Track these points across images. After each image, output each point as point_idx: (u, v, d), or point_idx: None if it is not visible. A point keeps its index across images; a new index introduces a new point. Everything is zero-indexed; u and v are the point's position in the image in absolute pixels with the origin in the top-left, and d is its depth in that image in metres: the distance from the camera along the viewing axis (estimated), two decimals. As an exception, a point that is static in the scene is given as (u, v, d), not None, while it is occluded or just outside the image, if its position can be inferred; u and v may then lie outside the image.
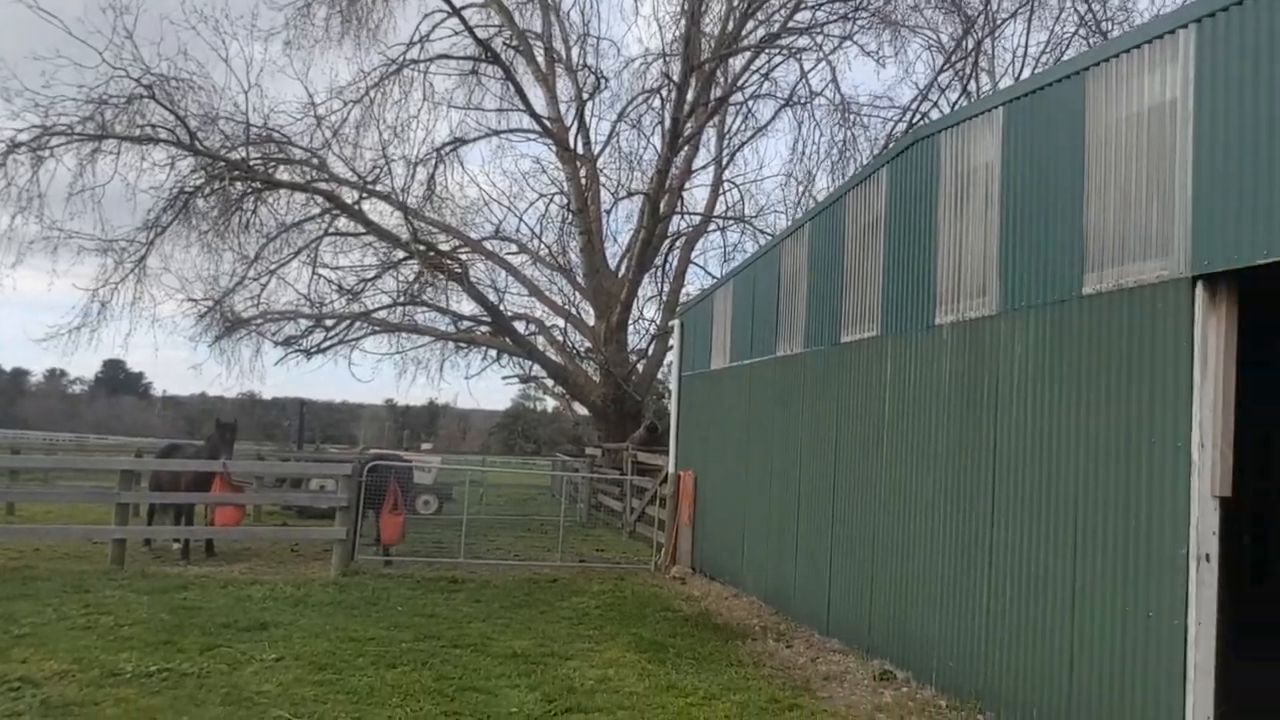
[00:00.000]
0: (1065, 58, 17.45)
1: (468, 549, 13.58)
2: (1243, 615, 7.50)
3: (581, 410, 27.63)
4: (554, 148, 24.14)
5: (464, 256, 23.38)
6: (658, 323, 24.92)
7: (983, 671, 6.85)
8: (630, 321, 24.28)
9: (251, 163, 20.87)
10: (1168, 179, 5.52)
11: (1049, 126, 6.62)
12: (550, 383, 27.18)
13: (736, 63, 23.15)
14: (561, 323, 25.20)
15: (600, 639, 8.76)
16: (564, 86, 24.29)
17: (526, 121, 23.36)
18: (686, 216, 25.66)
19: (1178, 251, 5.40)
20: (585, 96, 23.59)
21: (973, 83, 20.06)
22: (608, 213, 24.89)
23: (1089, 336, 6.06)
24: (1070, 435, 6.17)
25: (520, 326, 24.44)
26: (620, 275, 23.92)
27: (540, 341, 24.80)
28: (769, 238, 17.69)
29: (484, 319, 23.84)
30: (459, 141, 23.67)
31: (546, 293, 25.41)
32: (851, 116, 22.67)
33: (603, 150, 24.62)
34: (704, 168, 25.29)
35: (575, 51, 24.16)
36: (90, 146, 19.51)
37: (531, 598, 10.79)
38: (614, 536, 18.31)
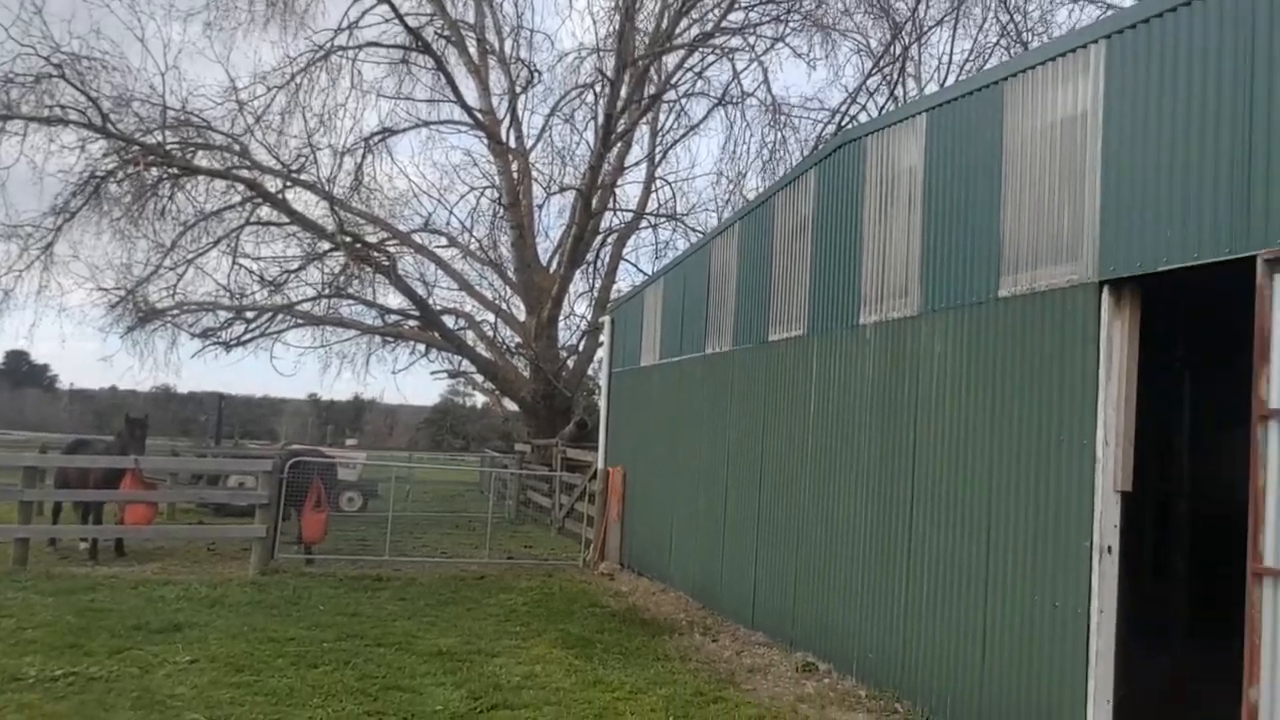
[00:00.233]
0: (987, 66, 18.03)
1: (393, 546, 13.39)
2: (1144, 607, 7.90)
3: (511, 406, 27.43)
4: (486, 141, 23.93)
5: (392, 249, 23.03)
6: (589, 319, 24.93)
7: (901, 662, 7.06)
8: (561, 317, 24.25)
9: (168, 147, 20.15)
10: (1078, 188, 5.76)
11: (969, 134, 6.83)
12: (480, 378, 26.95)
13: (670, 60, 23.28)
14: (492, 318, 25.04)
15: (527, 635, 8.74)
16: (497, 79, 24.09)
17: (458, 113, 23.12)
18: (619, 213, 25.72)
19: (1087, 257, 5.64)
20: (518, 90, 23.45)
21: (900, 87, 20.57)
22: (540, 208, 24.81)
23: (1004, 338, 6.29)
24: (985, 433, 6.39)
25: (450, 321, 24.20)
26: (552, 271, 23.83)
27: (470, 336, 24.59)
28: (700, 236, 17.83)
29: (412, 313, 23.52)
30: (388, 131, 23.23)
31: (477, 287, 25.23)
32: (782, 118, 23.05)
33: (535, 144, 24.53)
34: (637, 164, 25.41)
35: (509, 44, 24.00)
36: (-7, 127, 18.60)
37: (458, 595, 10.69)
38: (543, 533, 18.27)
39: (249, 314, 22.84)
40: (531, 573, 12.78)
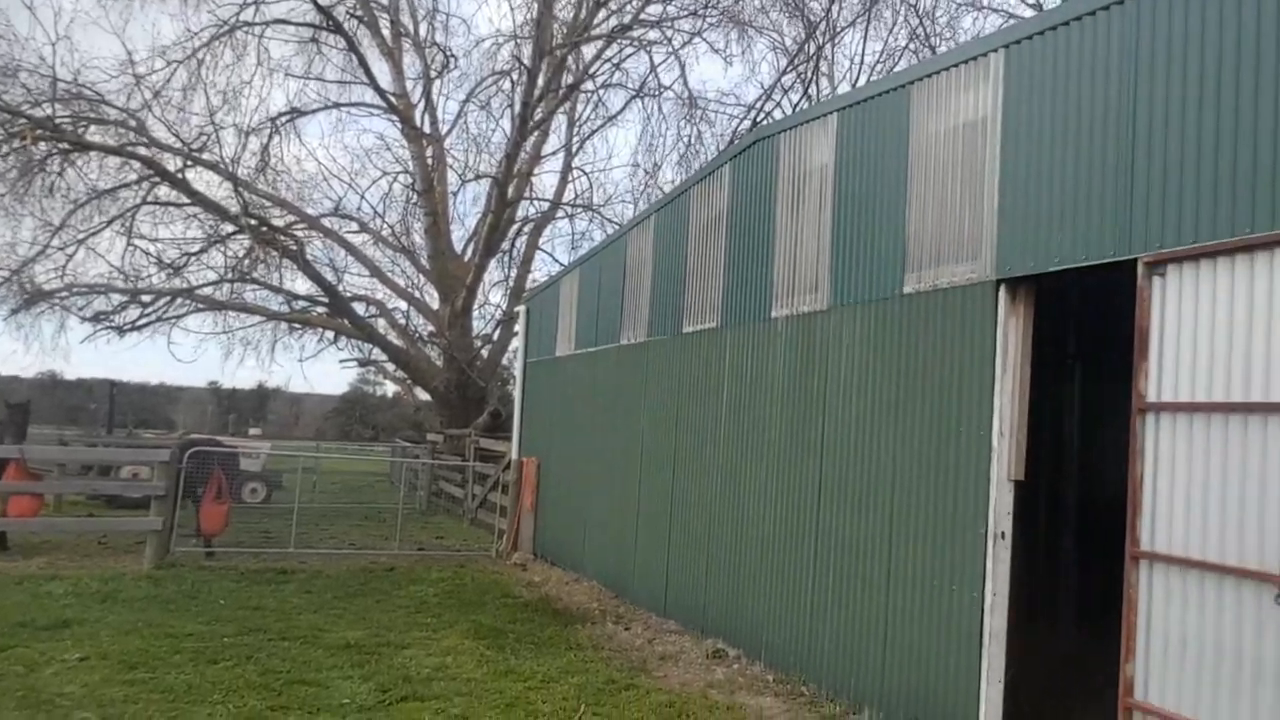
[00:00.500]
0: (896, 69, 18.57)
1: (299, 539, 13.05)
2: (1036, 588, 8.31)
3: (423, 396, 27.01)
4: (399, 125, 23.41)
5: (300, 233, 22.35)
6: (504, 308, 24.71)
7: (807, 647, 7.27)
8: (475, 306, 24.01)
9: (58, 121, 19.11)
10: (979, 190, 6.01)
11: (877, 135, 7.05)
12: (391, 367, 26.42)
13: (588, 51, 23.21)
14: (404, 306, 24.61)
15: (438, 627, 8.65)
16: (411, 62, 23.60)
17: (370, 96, 22.61)
18: (535, 202, 25.57)
19: (985, 256, 5.90)
20: (433, 74, 23.05)
21: (814, 86, 21.00)
22: (454, 195, 24.50)
23: (908, 332, 6.52)
24: (889, 425, 6.63)
25: (360, 308, 23.67)
26: (466, 259, 23.53)
27: (381, 324, 24.08)
28: (617, 227, 17.88)
29: (321, 299, 22.88)
30: (296, 112, 22.51)
31: (389, 274, 24.72)
32: (698, 112, 23.27)
33: (450, 130, 24.17)
34: (553, 154, 25.27)
35: (424, 27, 23.55)
36: None
37: (367, 587, 10.50)
38: (455, 524, 18.06)
39: (145, 297, 21.82)
40: (443, 564, 12.63)
